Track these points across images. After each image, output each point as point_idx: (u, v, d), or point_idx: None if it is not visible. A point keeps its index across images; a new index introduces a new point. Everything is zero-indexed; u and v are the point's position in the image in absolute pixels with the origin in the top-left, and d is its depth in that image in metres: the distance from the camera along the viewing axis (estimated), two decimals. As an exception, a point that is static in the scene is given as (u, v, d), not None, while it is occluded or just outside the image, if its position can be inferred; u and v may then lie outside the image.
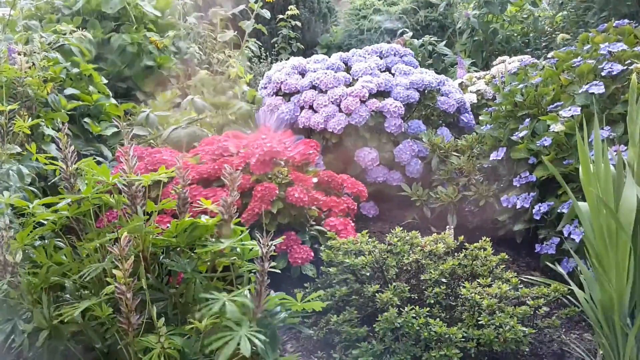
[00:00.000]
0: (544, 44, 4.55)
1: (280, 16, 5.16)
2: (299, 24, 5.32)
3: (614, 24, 2.33)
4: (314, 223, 2.11)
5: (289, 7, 4.91)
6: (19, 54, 2.17)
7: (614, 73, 2.01)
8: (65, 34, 2.71)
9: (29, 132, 1.96)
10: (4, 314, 1.19)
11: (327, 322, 1.70)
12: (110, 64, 3.20)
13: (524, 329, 1.53)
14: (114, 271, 1.06)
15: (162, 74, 3.37)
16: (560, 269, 1.67)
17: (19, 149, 1.84)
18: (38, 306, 1.19)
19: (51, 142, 2.12)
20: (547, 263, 1.94)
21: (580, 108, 2.02)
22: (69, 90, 2.40)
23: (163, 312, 1.23)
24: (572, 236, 1.84)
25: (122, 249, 1.04)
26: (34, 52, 2.30)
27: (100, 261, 1.26)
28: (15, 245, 1.25)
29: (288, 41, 5.46)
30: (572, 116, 2.01)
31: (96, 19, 3.29)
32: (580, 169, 1.44)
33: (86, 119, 2.46)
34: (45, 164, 1.48)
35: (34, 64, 2.24)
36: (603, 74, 2.03)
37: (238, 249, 1.28)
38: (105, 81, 2.69)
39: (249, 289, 1.24)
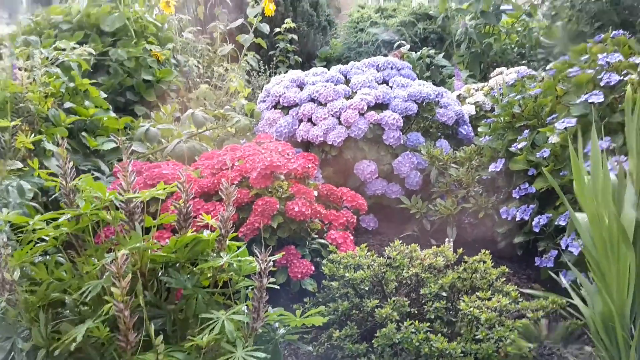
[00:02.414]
0: (541, 55, 4.56)
1: (277, 29, 5.19)
2: (295, 37, 5.35)
3: (611, 35, 2.34)
4: (316, 236, 2.10)
5: (285, 21, 4.94)
6: (20, 70, 2.19)
7: (612, 83, 2.02)
8: (65, 50, 2.72)
9: (32, 148, 1.97)
10: (3, 332, 1.18)
11: (328, 337, 1.70)
12: (109, 78, 3.21)
13: (528, 344, 1.52)
14: (112, 289, 1.05)
15: (161, 88, 3.39)
16: (563, 280, 1.67)
17: (20, 165, 1.85)
18: (36, 324, 1.18)
19: (52, 156, 2.12)
20: (548, 275, 1.94)
21: (575, 119, 2.03)
22: (67, 105, 2.41)
23: (162, 329, 1.22)
24: (570, 249, 1.84)
25: (120, 267, 1.04)
26: (35, 68, 2.32)
27: (99, 278, 1.26)
28: (13, 262, 1.25)
29: (286, 54, 5.49)
30: (565, 128, 2.02)
31: (96, 34, 3.30)
32: (574, 180, 1.44)
33: (83, 134, 2.46)
34: (47, 180, 1.48)
35: (34, 79, 2.25)
36: (602, 84, 2.04)
37: (234, 265, 1.28)
38: (104, 95, 2.70)
39: (247, 305, 1.23)
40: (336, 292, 1.81)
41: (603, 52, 2.20)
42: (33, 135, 1.93)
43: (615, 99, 2.04)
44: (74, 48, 2.76)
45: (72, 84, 2.49)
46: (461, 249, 1.87)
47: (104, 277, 1.19)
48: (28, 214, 1.71)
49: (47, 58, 2.55)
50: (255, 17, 3.78)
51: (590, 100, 2.01)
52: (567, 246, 1.86)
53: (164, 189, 1.37)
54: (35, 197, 1.89)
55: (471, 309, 1.59)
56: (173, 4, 3.59)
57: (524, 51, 4.69)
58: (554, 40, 4.45)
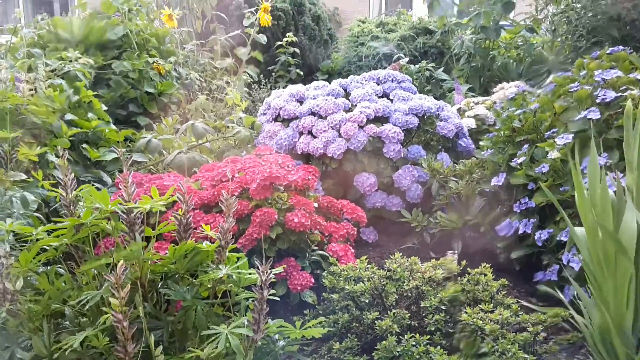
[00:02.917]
0: (545, 69, 4.58)
1: (279, 43, 5.22)
2: (297, 50, 5.39)
3: (608, 51, 2.36)
4: (316, 248, 2.10)
5: (287, 35, 4.97)
6: (23, 82, 2.20)
7: (607, 100, 2.03)
8: (71, 61, 2.74)
9: (37, 160, 1.98)
10: (3, 342, 1.18)
11: (328, 349, 1.69)
12: (111, 91, 3.23)
13: (526, 355, 1.52)
14: (111, 299, 1.05)
15: (162, 100, 3.41)
16: (560, 295, 1.67)
17: (24, 176, 1.86)
18: (38, 334, 1.18)
19: (55, 168, 2.13)
20: (546, 289, 1.94)
21: (572, 135, 2.04)
22: (69, 116, 2.42)
23: (160, 340, 1.22)
24: (571, 264, 1.84)
25: (119, 277, 1.04)
26: (38, 80, 2.33)
27: (98, 288, 1.26)
28: (18, 270, 1.25)
29: (287, 68, 5.52)
30: (564, 144, 2.03)
31: (96, 48, 3.33)
32: (576, 195, 1.44)
33: (84, 145, 2.47)
34: (50, 190, 1.49)
35: (36, 90, 2.26)
36: (598, 100, 2.05)
37: (234, 277, 1.29)
38: (105, 108, 2.72)
39: (247, 318, 1.23)
40: (336, 304, 1.80)
41: (599, 68, 2.21)
42: (39, 147, 1.94)
43: (610, 116, 2.05)
44: (79, 58, 2.78)
45: (76, 97, 2.51)
46: (464, 262, 1.87)
47: (104, 287, 1.19)
48: (32, 225, 1.71)
49: (53, 70, 2.57)
50: (251, 27, 3.81)
51: (588, 117, 2.02)
52: (568, 261, 1.87)
53: (162, 200, 1.37)
54: (39, 209, 1.90)
55: (474, 319, 1.58)
56: (175, 17, 3.63)
57: (523, 66, 4.71)
58: (552, 55, 4.48)
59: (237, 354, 1.13)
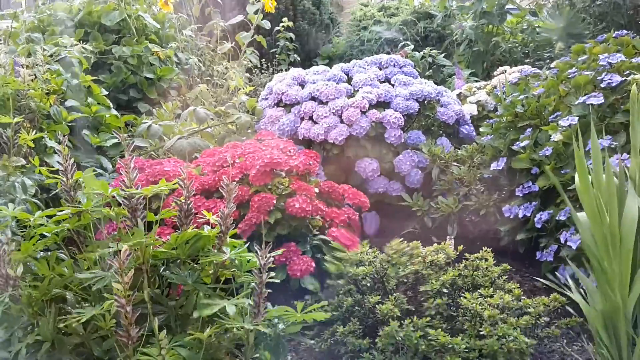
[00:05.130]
0: (546, 54, 4.55)
1: (277, 28, 5.18)
2: (293, 36, 5.35)
3: (614, 35, 2.34)
4: (317, 232, 2.10)
5: (282, 20, 4.94)
6: (23, 67, 2.19)
7: (614, 84, 2.02)
8: (66, 47, 2.72)
9: (32, 145, 1.98)
10: (5, 326, 1.19)
11: (332, 333, 1.70)
12: (112, 76, 3.21)
13: (527, 340, 1.52)
14: (114, 284, 1.06)
15: (162, 86, 3.39)
16: (567, 277, 1.67)
17: (24, 162, 1.86)
18: (39, 318, 1.19)
19: (53, 154, 2.12)
20: (549, 270, 1.95)
21: (577, 118, 2.03)
22: (70, 102, 2.41)
23: (163, 325, 1.23)
24: (568, 243, 1.84)
25: (122, 262, 1.04)
26: (37, 65, 2.32)
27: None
28: (19, 256, 1.25)
29: (287, 52, 5.49)
30: (569, 125, 2.02)
31: (98, 31, 3.31)
32: (576, 177, 1.44)
33: (85, 131, 2.46)
34: (48, 177, 1.49)
35: (36, 76, 2.25)
36: (602, 85, 2.03)
37: (236, 261, 1.29)
38: (106, 93, 2.70)
39: (249, 302, 1.24)
40: (340, 288, 1.81)
41: (605, 52, 2.19)
42: (34, 132, 1.93)
43: (616, 100, 2.04)
44: (75, 45, 2.76)
45: (75, 81, 2.49)
46: (461, 246, 1.87)
47: (110, 272, 1.19)
48: (30, 210, 1.71)
49: (51, 55, 2.55)
50: (255, 13, 3.78)
51: (588, 102, 2.01)
52: (565, 240, 1.87)
53: (165, 185, 1.37)
54: (35, 194, 1.90)
55: (473, 304, 1.59)
56: (171, 1, 3.59)
57: (527, 50, 4.68)
58: (555, 36, 4.44)
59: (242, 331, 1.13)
